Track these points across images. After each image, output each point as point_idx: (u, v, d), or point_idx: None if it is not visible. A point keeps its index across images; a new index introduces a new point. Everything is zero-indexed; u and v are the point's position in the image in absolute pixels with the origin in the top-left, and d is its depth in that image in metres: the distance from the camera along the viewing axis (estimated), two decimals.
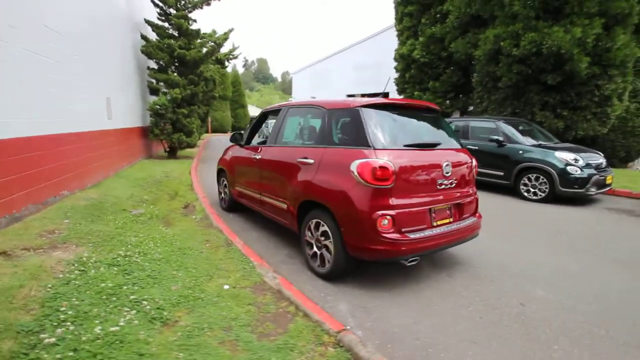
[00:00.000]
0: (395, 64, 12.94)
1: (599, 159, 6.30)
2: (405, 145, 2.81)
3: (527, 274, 3.23)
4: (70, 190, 5.17)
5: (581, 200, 6.28)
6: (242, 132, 4.75)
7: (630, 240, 4.28)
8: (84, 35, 5.87)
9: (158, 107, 9.63)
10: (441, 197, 2.91)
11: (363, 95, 27.79)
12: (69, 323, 1.96)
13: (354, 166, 2.66)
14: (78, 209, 4.44)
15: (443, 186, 2.92)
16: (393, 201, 2.62)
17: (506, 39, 8.09)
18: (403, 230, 2.64)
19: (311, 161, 3.09)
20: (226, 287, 2.68)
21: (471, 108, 10.95)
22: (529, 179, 6.40)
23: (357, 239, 2.66)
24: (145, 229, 3.97)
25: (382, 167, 2.57)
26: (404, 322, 2.39)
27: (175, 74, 9.95)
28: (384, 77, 21.33)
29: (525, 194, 6.43)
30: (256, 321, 2.24)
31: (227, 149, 5.36)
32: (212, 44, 10.02)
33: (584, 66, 7.47)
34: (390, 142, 2.76)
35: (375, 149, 2.68)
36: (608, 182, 6.16)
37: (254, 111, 55.71)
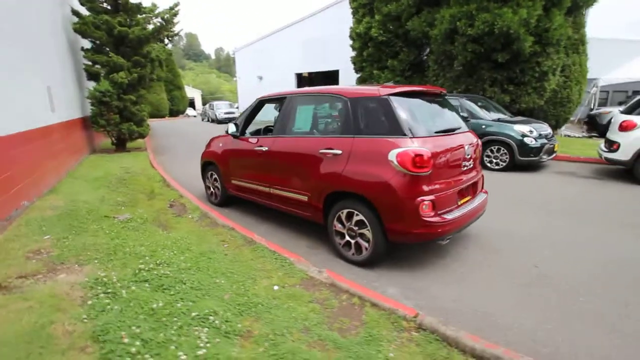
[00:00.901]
0: (350, 41, 12.96)
1: (547, 129, 7.19)
2: (435, 132, 2.93)
3: (524, 237, 3.67)
4: (30, 200, 4.44)
5: (535, 167, 7.18)
6: (236, 122, 4.46)
7: (586, 199, 5.06)
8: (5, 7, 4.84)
9: (100, 93, 8.47)
10: (464, 178, 3.12)
11: (310, 74, 27.51)
12: (146, 356, 1.77)
13: (392, 155, 2.71)
14: (51, 221, 3.86)
15: (465, 167, 3.13)
16: (431, 186, 2.75)
17: (461, 19, 8.58)
18: (440, 212, 2.81)
19: (338, 152, 3.05)
20: (276, 287, 2.61)
21: None
22: (492, 151, 7.09)
23: (399, 224, 2.76)
24: (146, 236, 3.61)
25: (421, 155, 2.66)
26: (452, 297, 2.59)
27: (118, 55, 8.75)
28: (331, 54, 21.31)
29: (489, 164, 7.13)
30: (327, 318, 2.25)
31: (213, 140, 5.01)
32: (159, 20, 8.95)
33: (528, 45, 8.29)
34: (423, 129, 2.85)
35: (411, 137, 2.74)
36: (555, 149, 7.11)
37: (191, 93, 51.74)
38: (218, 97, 57.52)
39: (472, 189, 3.32)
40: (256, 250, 3.26)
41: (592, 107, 15.49)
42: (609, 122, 10.99)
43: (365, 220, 2.93)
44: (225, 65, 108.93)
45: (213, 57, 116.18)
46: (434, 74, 10.37)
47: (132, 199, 5.14)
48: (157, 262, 2.94)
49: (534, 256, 3.25)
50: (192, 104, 50.86)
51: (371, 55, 11.62)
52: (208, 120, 27.85)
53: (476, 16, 8.31)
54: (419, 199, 2.70)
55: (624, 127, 5.72)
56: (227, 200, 4.88)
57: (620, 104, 16.45)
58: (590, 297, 2.57)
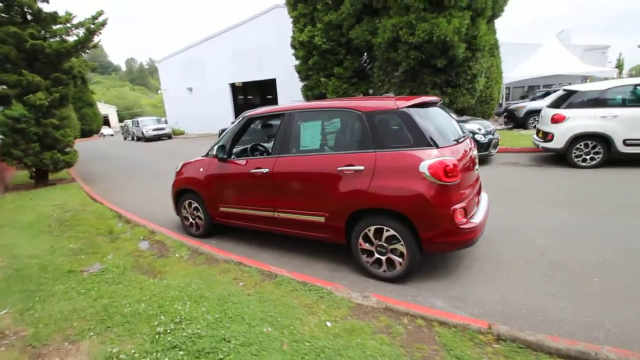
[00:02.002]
0: (290, 49, 12.93)
1: (491, 125, 8.05)
2: (453, 140, 3.01)
3: (513, 227, 4.00)
4: None
5: (484, 161, 7.96)
6: (222, 143, 4.03)
7: (540, 185, 5.76)
8: None
9: (13, 120, 7.01)
10: (475, 181, 3.27)
11: (243, 84, 26.74)
12: None
13: (424, 167, 2.70)
14: None
15: (475, 171, 3.28)
16: (460, 193, 2.81)
17: (403, 28, 9.16)
18: (470, 218, 2.89)
19: (360, 168, 2.94)
20: (329, 324, 2.39)
21: (371, 91, 12.06)
22: None
23: (436, 235, 2.76)
24: (136, 289, 3.04)
25: (452, 165, 2.70)
26: (496, 299, 2.67)
27: (33, 73, 7.33)
28: (267, 63, 21.00)
29: None
30: (403, 348, 2.12)
31: (187, 165, 4.49)
32: (82, 30, 7.74)
33: (461, 51, 9.21)
34: (442, 139, 2.89)
35: (438, 147, 2.77)
36: (499, 143, 7.98)
37: (105, 109, 46.16)
38: (137, 112, 52.50)
39: (478, 190, 3.50)
40: (281, 284, 2.96)
41: (500, 102, 17.86)
42: (525, 114, 12.89)
43: (398, 235, 2.87)
44: (139, 77, 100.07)
45: (124, 68, 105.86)
46: (379, 80, 10.89)
47: (89, 243, 4.32)
48: (175, 319, 2.48)
49: (534, 245, 3.54)
50: (106, 122, 45.58)
51: (317, 63, 11.73)
52: (132, 139, 25.22)
53: (416, 25, 8.95)
54: (452, 207, 2.74)
55: (556, 120, 6.68)
56: (211, 229, 4.40)
57: (522, 98, 19.29)
58: (601, 276, 2.88)
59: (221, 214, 4.10)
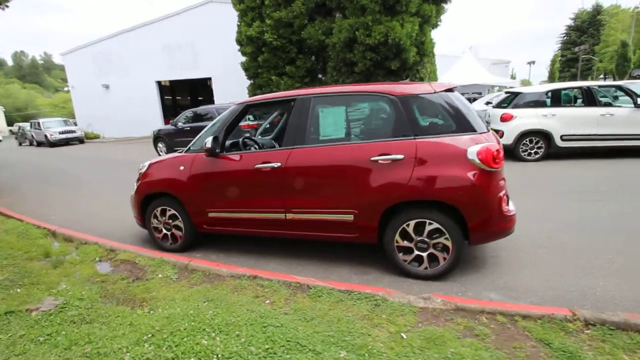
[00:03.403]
0: (236, 45, 12.15)
1: None
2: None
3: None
4: None
5: None
6: (206, 135, 3.35)
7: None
8: None
9: None
10: None
11: (171, 83, 24.43)
12: None
13: (473, 154, 2.54)
14: None
15: None
16: (502, 179, 2.73)
17: (359, 29, 9.24)
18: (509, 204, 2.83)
19: (399, 157, 2.66)
20: (403, 335, 2.03)
21: None
22: None
23: (486, 224, 2.62)
24: (130, 327, 2.26)
25: (496, 150, 2.60)
26: (544, 284, 2.63)
27: None
28: (202, 60, 19.47)
29: None
30: (500, 350, 1.88)
31: (156, 164, 3.69)
32: None
33: (412, 54, 9.67)
34: (480, 124, 2.78)
35: (480, 132, 2.65)
36: None
37: None
38: (32, 114, 44.03)
39: None
40: (320, 297, 2.50)
41: None
42: None
43: (443, 228, 2.66)
44: (31, 73, 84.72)
45: (10, 63, 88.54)
46: (333, 80, 10.84)
47: (21, 272, 3.22)
48: (219, 356, 1.85)
49: (534, 231, 3.67)
50: None
51: (267, 60, 11.17)
52: (31, 144, 20.98)
53: (372, 27, 9.12)
54: (500, 194, 2.64)
55: (504, 119, 7.36)
56: (193, 242, 3.65)
57: None
58: (612, 254, 3.08)
59: (210, 221, 3.40)
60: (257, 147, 3.78)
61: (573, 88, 7.35)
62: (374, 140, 2.80)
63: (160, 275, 3.04)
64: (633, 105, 6.65)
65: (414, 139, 2.68)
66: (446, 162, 2.61)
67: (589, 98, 6.94)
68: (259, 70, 11.48)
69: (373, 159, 2.72)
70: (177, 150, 11.56)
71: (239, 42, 11.77)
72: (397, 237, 2.79)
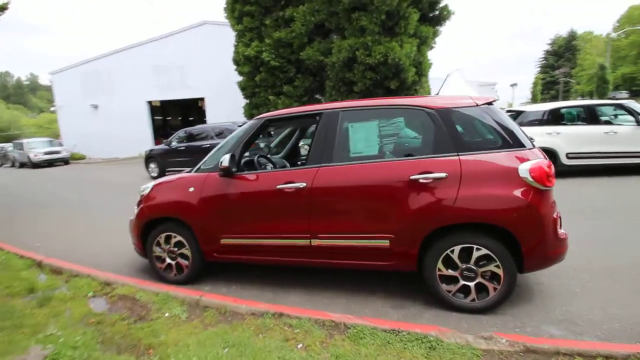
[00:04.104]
0: (232, 65, 12.06)
1: None
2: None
3: None
4: None
5: None
6: (219, 153, 3.04)
7: None
8: None
9: None
10: None
11: (162, 103, 24.15)
12: None
13: (525, 171, 2.31)
14: None
15: None
16: (554, 200, 2.51)
17: (359, 49, 9.27)
18: None
19: (441, 175, 2.41)
20: None
21: None
22: None
23: (540, 249, 2.37)
24: None
25: (548, 167, 2.38)
26: (602, 314, 2.37)
27: None
28: (194, 80, 19.32)
29: None
30: None
31: (164, 184, 3.34)
32: None
33: (411, 74, 9.72)
34: (526, 139, 2.58)
35: (529, 148, 2.44)
36: None
37: None
38: (15, 135, 42.68)
39: None
40: (363, 338, 2.15)
41: None
42: None
43: (493, 254, 2.39)
44: (16, 94, 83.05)
45: None
46: (332, 100, 10.77)
47: (1, 312, 2.74)
48: None
49: (573, 252, 3.43)
50: None
51: (265, 80, 11.06)
52: (13, 165, 20.12)
53: (372, 47, 9.15)
54: (554, 215, 2.41)
55: None
56: (201, 272, 3.27)
57: None
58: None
59: (222, 249, 3.04)
60: (273, 166, 3.48)
61: (576, 106, 7.40)
62: (412, 158, 2.55)
63: (167, 314, 2.63)
64: (635, 123, 6.70)
65: (457, 156, 2.44)
66: (495, 180, 2.37)
67: (592, 116, 6.97)
68: (256, 89, 11.35)
69: (413, 177, 2.46)
70: (169, 171, 11.19)
71: (236, 61, 11.69)
72: (439, 264, 2.50)
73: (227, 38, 13.91)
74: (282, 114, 3.02)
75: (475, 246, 2.41)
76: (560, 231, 2.46)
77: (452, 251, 2.46)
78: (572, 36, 52.71)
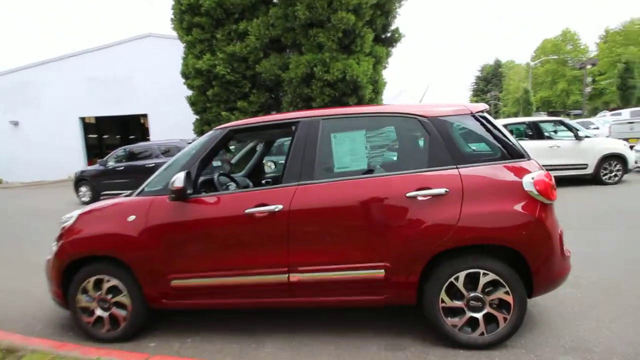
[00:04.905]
0: (181, 79, 11.25)
1: None
2: None
3: None
4: None
5: None
6: (170, 171, 2.45)
7: None
8: None
9: None
10: None
11: (97, 119, 21.96)
12: None
13: (529, 184, 2.09)
14: None
15: None
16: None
17: (318, 65, 9.12)
18: None
19: (442, 191, 2.10)
20: None
21: None
22: None
23: (550, 269, 2.14)
24: None
25: (551, 178, 2.20)
26: (612, 337, 2.20)
27: None
28: (136, 95, 17.81)
29: None
30: None
31: (94, 212, 2.63)
32: None
33: (368, 92, 9.80)
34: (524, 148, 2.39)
35: (528, 159, 2.24)
36: None
37: None
38: None
39: None
40: None
41: None
42: None
43: (501, 279, 2.10)
44: None
45: None
46: None
47: None
48: None
49: None
50: None
51: (217, 95, 10.40)
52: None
53: (330, 64, 9.07)
54: (559, 230, 2.21)
55: None
56: (143, 325, 2.56)
57: None
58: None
59: (173, 292, 2.40)
60: (237, 186, 2.94)
61: (522, 123, 7.89)
62: (406, 172, 2.22)
63: None
64: (574, 138, 7.28)
65: (457, 168, 2.16)
66: (499, 195, 2.12)
67: (537, 132, 7.47)
68: (208, 104, 10.63)
69: (409, 195, 2.11)
70: (105, 195, 9.81)
71: (184, 74, 10.89)
72: (442, 295, 2.15)
73: (173, 52, 13.05)
74: (250, 124, 2.54)
75: (482, 271, 2.11)
76: (566, 248, 2.27)
77: (457, 278, 2.13)
78: (498, 64, 59.66)
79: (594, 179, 7.33)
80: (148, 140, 17.60)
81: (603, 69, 35.44)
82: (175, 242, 2.38)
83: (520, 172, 2.14)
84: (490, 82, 59.06)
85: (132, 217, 2.42)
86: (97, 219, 2.59)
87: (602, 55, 36.38)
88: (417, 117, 2.27)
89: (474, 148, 2.29)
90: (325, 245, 2.22)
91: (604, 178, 7.29)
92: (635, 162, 7.71)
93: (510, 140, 2.25)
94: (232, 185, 2.92)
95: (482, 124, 2.27)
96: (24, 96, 18.37)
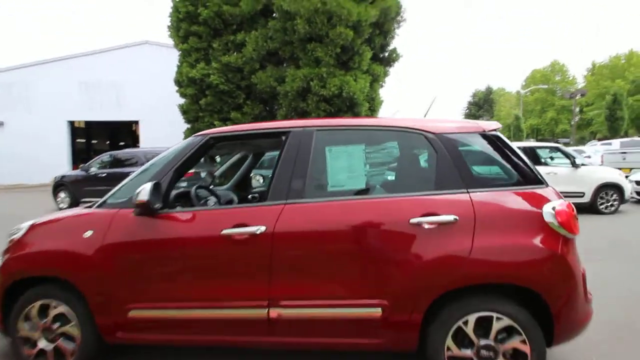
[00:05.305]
0: (174, 86, 11.02)
1: None
2: None
3: None
4: None
5: None
6: (137, 181, 2.12)
7: None
8: None
9: None
10: None
11: (87, 124, 21.48)
12: None
13: (549, 214, 1.82)
14: None
15: None
16: None
17: (314, 79, 8.99)
18: None
19: (450, 218, 1.82)
20: None
21: None
22: None
23: (572, 314, 1.85)
24: None
25: (573, 209, 1.94)
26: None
27: None
28: (128, 102, 17.48)
29: None
30: None
31: (46, 225, 2.27)
32: None
33: (364, 109, 9.67)
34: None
35: (547, 185, 1.98)
36: None
37: None
38: None
39: None
40: None
41: None
42: None
43: (517, 326, 1.79)
44: None
45: None
46: None
47: None
48: None
49: None
50: None
51: (211, 104, 10.16)
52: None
53: (327, 79, 8.95)
54: (582, 269, 1.93)
55: None
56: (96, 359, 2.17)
57: None
58: None
59: (131, 324, 2.03)
60: (217, 201, 2.62)
61: (518, 148, 7.79)
62: (410, 194, 1.93)
63: None
64: (571, 165, 7.17)
65: (467, 193, 1.88)
66: (516, 226, 1.84)
67: (534, 158, 7.34)
68: (200, 114, 10.36)
69: (414, 221, 1.82)
70: (85, 202, 9.32)
71: (178, 82, 10.66)
72: (449, 341, 1.83)
73: (169, 60, 12.88)
74: (234, 131, 2.24)
75: (495, 315, 1.80)
76: (588, 289, 1.99)
77: (466, 322, 1.81)
78: (489, 91, 61.28)
79: (590, 208, 7.18)
80: (138, 147, 17.18)
81: (590, 100, 36.57)
82: (137, 264, 2.03)
83: (539, 200, 1.88)
84: (482, 107, 60.45)
85: (89, 233, 2.07)
86: (49, 233, 2.23)
87: (589, 86, 37.64)
88: (423, 132, 2.01)
89: (486, 170, 2.03)
90: (314, 276, 1.90)
91: (600, 207, 7.15)
92: (630, 193, 7.62)
93: (527, 164, 1.99)
94: (212, 200, 2.59)
95: (495, 144, 2.02)
96: (11, 97, 17.86)
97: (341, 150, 2.04)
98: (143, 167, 2.37)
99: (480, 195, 1.87)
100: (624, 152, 10.65)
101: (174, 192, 2.49)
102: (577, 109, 32.05)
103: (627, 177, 7.86)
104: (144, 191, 1.84)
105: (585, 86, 39.17)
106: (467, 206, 1.84)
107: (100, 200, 2.25)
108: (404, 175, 2.12)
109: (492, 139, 2.02)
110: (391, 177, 2.17)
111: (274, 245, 1.88)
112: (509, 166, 1.98)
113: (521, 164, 1.98)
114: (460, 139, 2.01)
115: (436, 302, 1.82)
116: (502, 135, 2.06)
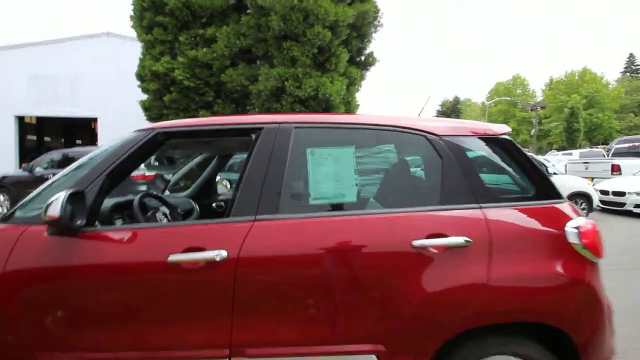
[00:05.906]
0: (135, 81, 10.16)
1: None
2: None
3: None
4: None
5: None
6: (76, 188, 1.60)
7: None
8: None
9: None
10: None
11: (39, 120, 19.66)
12: None
13: (573, 234, 1.53)
14: None
15: None
16: None
17: (289, 79, 8.55)
18: None
19: (461, 241, 1.47)
20: None
21: None
22: None
23: (600, 354, 1.55)
24: None
25: (596, 227, 1.66)
26: None
27: None
28: (86, 97, 16.10)
29: None
30: None
31: None
32: None
33: (341, 112, 9.35)
34: None
35: (565, 200, 1.69)
36: None
37: None
38: None
39: None
40: None
41: None
42: None
43: None
44: None
45: None
46: None
47: None
48: None
49: None
50: None
51: (176, 101, 9.40)
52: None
53: (303, 80, 8.55)
54: (608, 300, 1.64)
55: None
56: None
57: None
58: None
59: None
60: (169, 213, 2.12)
61: None
62: (411, 210, 1.56)
63: None
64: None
65: (480, 209, 1.55)
66: (537, 250, 1.53)
67: None
68: (165, 111, 9.56)
69: (417, 243, 1.45)
70: None
71: (140, 76, 9.80)
72: None
73: (133, 54, 11.93)
74: (189, 126, 1.76)
75: (513, 359, 1.47)
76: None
77: None
78: (457, 101, 63.91)
79: None
80: (96, 145, 15.82)
81: (548, 113, 39.00)
82: (50, 300, 1.50)
83: (560, 218, 1.58)
84: (449, 116, 62.88)
85: None
86: None
87: (547, 100, 40.16)
88: (425, 133, 1.65)
89: (500, 181, 1.71)
90: (289, 315, 1.47)
91: None
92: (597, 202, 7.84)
93: (543, 175, 1.70)
94: (162, 212, 2.09)
95: (508, 150, 1.70)
96: None
97: (326, 153, 1.64)
98: (67, 170, 1.83)
99: (495, 213, 1.54)
100: (587, 162, 11.11)
101: (113, 203, 1.98)
102: (537, 121, 33.96)
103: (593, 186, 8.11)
104: (56, 203, 1.33)
105: (544, 99, 41.78)
106: (481, 225, 1.50)
107: (6, 212, 1.69)
108: (403, 185, 1.76)
109: (504, 144, 1.71)
110: (387, 187, 1.79)
111: (237, 276, 1.44)
112: (524, 177, 1.67)
113: (537, 174, 1.68)
114: (469, 143, 1.67)
115: (445, 344, 1.46)
116: (514, 141, 1.75)
